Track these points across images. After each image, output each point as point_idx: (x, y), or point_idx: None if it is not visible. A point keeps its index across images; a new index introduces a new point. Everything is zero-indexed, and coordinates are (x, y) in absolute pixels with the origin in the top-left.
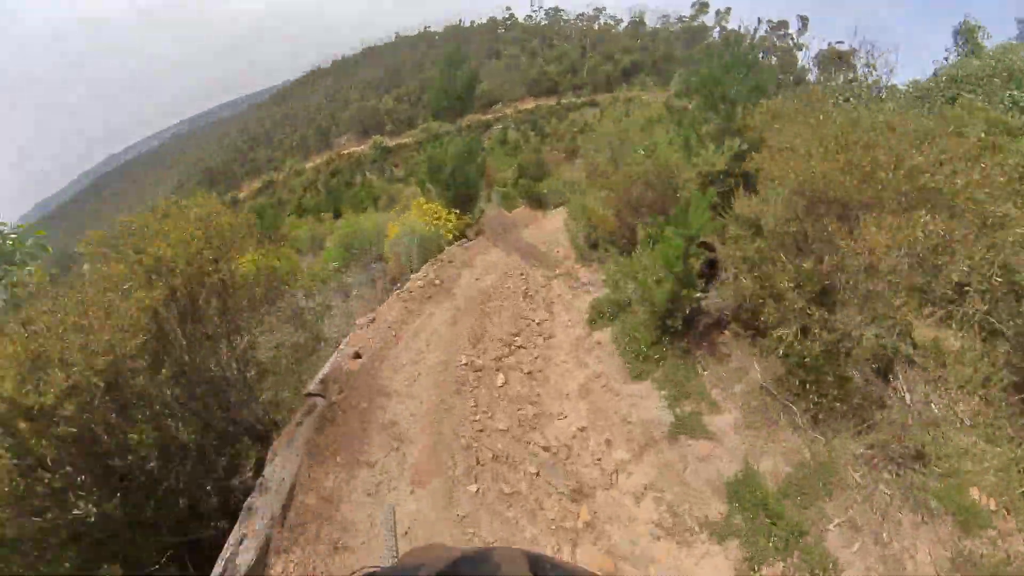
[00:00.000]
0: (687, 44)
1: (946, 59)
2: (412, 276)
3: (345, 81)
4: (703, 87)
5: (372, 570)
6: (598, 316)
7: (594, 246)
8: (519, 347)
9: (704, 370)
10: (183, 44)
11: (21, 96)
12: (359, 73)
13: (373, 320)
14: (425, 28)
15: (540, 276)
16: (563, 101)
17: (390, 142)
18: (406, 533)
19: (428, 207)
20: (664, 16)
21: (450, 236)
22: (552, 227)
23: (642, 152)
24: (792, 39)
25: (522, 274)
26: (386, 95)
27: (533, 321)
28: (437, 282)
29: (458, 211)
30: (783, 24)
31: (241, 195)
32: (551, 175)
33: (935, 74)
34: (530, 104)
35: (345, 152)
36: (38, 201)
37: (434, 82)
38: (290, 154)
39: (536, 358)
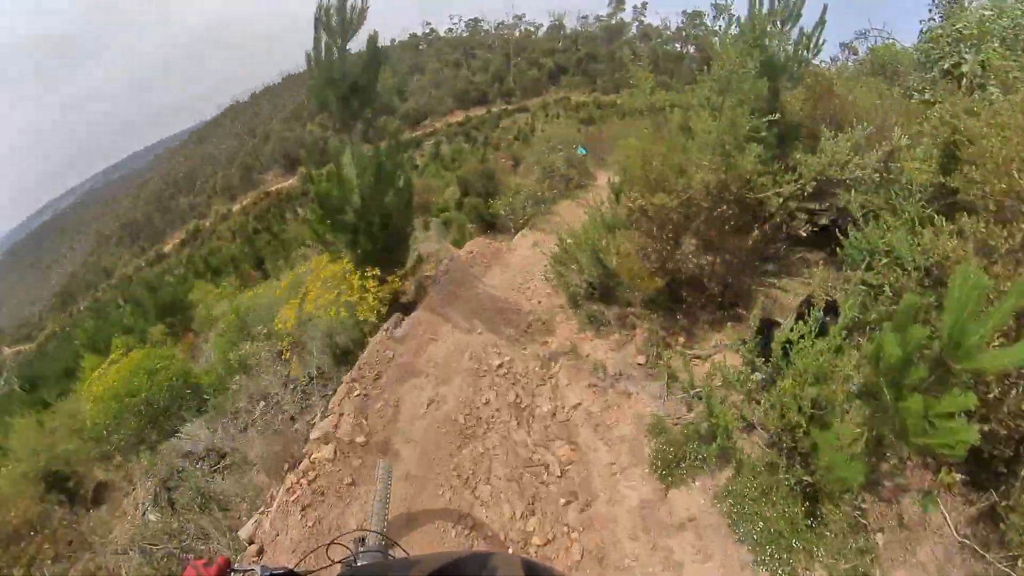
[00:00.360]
0: (607, 42)
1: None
2: (314, 434)
3: (266, 113)
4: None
5: (364, 533)
6: (673, 459)
7: (603, 295)
8: (540, 545)
9: None
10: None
11: None
12: (281, 103)
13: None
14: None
15: (533, 364)
16: (493, 109)
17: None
18: None
19: (332, 272)
20: (583, 17)
21: (374, 316)
22: (521, 261)
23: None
24: (707, 28)
25: (502, 366)
26: (309, 123)
27: (547, 471)
28: (361, 439)
29: (379, 270)
30: (698, 14)
31: (167, 248)
32: (504, 188)
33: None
34: (460, 116)
35: (273, 189)
36: None
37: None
38: (215, 197)
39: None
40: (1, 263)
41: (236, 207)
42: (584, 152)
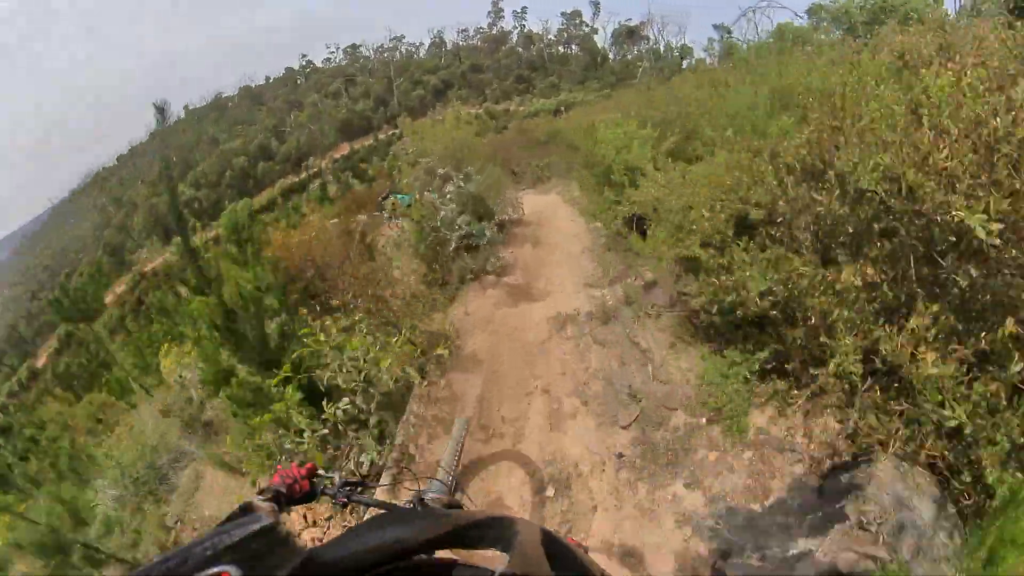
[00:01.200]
0: (491, 51)
1: None
2: None
3: (132, 179)
4: None
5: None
6: None
7: None
8: None
9: None
10: None
11: None
12: (148, 165)
13: None
14: (217, 95)
15: None
16: (380, 137)
17: (201, 237)
18: None
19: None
20: (463, 30)
21: None
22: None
23: None
24: (587, 25)
25: None
26: (181, 183)
27: None
28: None
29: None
30: (577, 13)
31: (40, 363)
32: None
33: None
34: (345, 149)
35: (148, 269)
36: None
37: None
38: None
39: None
40: None
41: (109, 299)
42: (407, 199)
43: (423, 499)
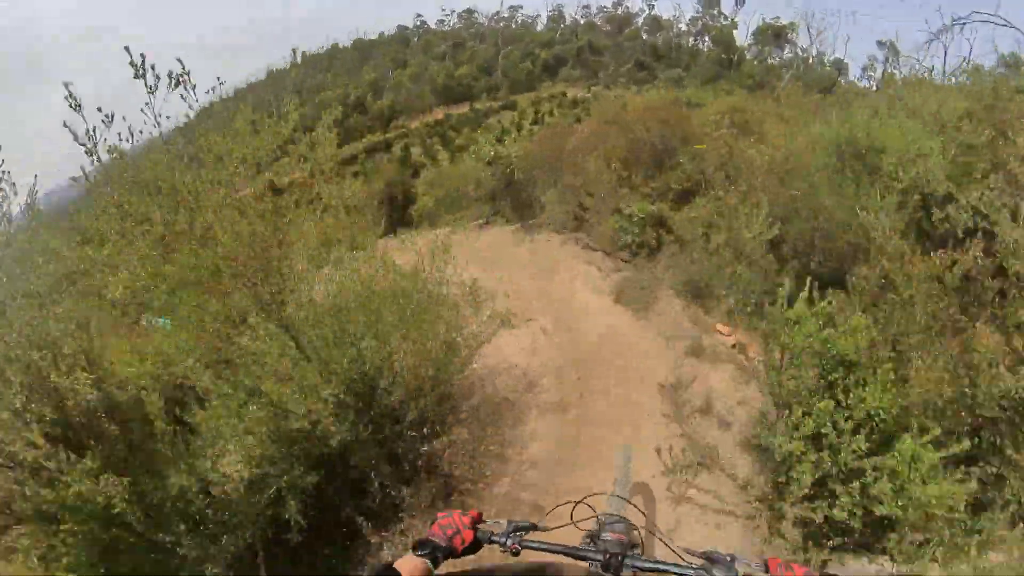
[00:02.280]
0: (613, 33)
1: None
2: None
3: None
4: None
5: (596, 495)
6: None
7: None
8: None
9: None
10: None
11: None
12: (258, 101)
13: None
14: (333, 44)
15: None
16: (476, 107)
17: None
18: None
19: None
20: (584, 6)
21: None
22: None
23: None
24: (726, 17)
25: None
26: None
27: None
28: None
29: None
30: (715, 2)
31: None
32: None
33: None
34: (439, 114)
35: None
36: None
37: None
38: None
39: None
40: None
41: None
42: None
43: (601, 537)
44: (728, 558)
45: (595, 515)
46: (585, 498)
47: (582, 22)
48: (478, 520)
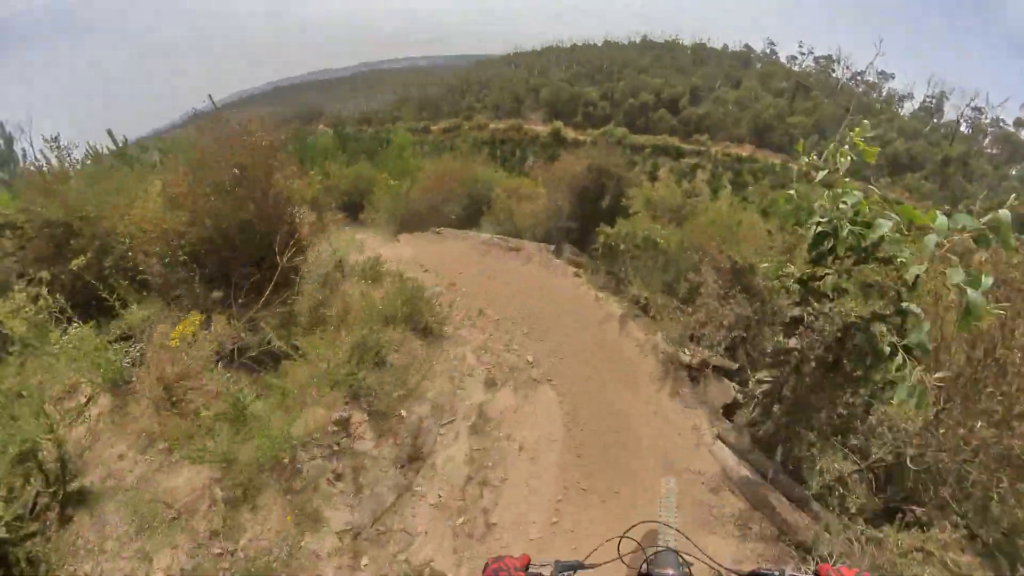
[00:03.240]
0: (998, 157)
1: None
2: None
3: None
4: None
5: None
6: None
7: None
8: None
9: None
10: None
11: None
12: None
13: None
14: (673, 38)
15: None
16: (784, 162)
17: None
18: None
19: None
20: (975, 108)
21: None
22: None
23: None
24: None
25: None
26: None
27: None
28: None
29: None
30: None
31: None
32: None
33: None
34: (745, 150)
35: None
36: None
37: None
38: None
39: None
40: None
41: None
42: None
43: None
44: (776, 573)
45: (640, 547)
46: (628, 531)
47: (965, 126)
48: (528, 563)
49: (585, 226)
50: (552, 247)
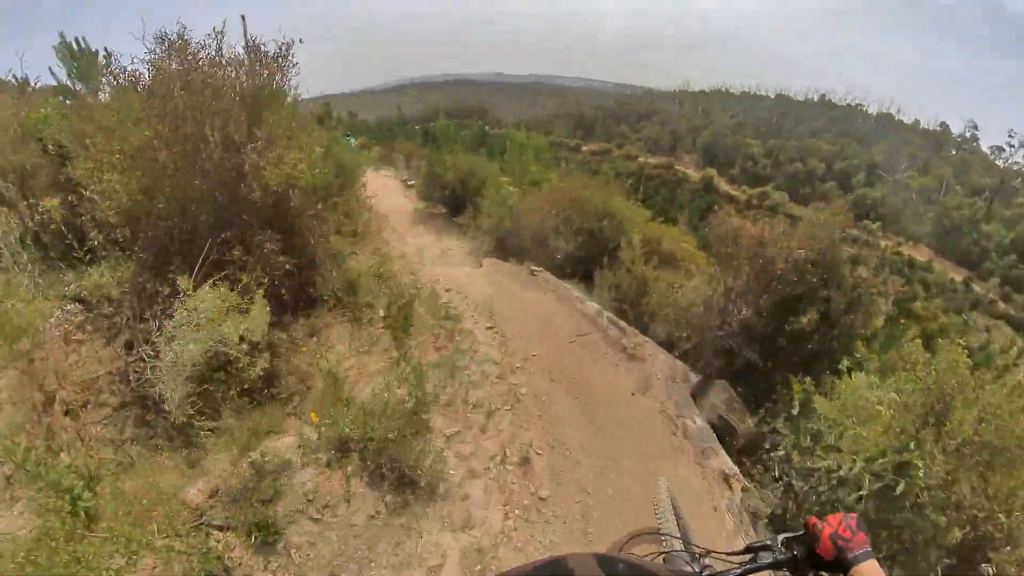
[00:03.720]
0: None
1: None
2: None
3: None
4: None
5: (645, 531)
6: None
7: None
8: None
9: None
10: None
11: None
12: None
13: None
14: (856, 103)
15: None
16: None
17: None
18: None
19: None
20: None
21: None
22: None
23: None
24: None
25: None
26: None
27: None
28: None
29: None
30: None
31: None
32: None
33: None
34: (922, 254)
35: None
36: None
37: None
38: None
39: None
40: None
41: None
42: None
43: None
44: (767, 541)
45: (654, 554)
46: (631, 537)
47: None
48: None
49: (767, 354)
50: (694, 376)
